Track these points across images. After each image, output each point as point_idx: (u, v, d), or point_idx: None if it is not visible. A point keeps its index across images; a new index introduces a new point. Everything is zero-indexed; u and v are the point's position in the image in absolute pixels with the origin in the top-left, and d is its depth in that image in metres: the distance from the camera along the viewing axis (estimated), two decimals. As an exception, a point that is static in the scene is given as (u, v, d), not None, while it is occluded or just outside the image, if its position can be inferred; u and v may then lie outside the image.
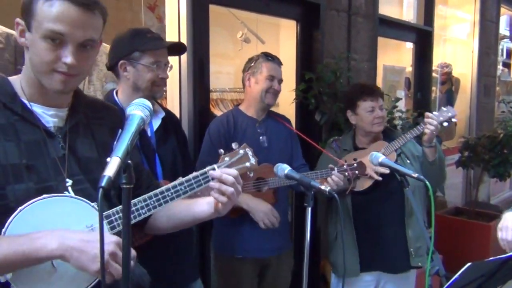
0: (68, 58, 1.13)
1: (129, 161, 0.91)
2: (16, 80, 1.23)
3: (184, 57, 2.61)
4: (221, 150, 1.47)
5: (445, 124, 2.35)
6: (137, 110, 1.02)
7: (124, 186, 0.90)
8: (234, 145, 1.46)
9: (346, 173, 2.25)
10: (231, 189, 1.31)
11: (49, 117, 1.23)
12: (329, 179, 2.26)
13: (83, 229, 1.18)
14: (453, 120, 2.37)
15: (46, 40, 1.13)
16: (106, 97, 1.99)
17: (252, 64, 2.45)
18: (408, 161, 2.50)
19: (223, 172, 1.32)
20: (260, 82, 2.42)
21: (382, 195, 2.49)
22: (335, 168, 2.26)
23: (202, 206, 1.40)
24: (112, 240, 1.09)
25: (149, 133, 1.94)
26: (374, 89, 2.56)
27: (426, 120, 2.34)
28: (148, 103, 1.07)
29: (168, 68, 1.97)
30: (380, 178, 2.38)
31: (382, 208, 2.50)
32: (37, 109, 1.22)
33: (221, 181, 1.31)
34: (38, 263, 1.09)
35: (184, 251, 2.04)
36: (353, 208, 2.52)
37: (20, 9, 1.16)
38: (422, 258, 2.49)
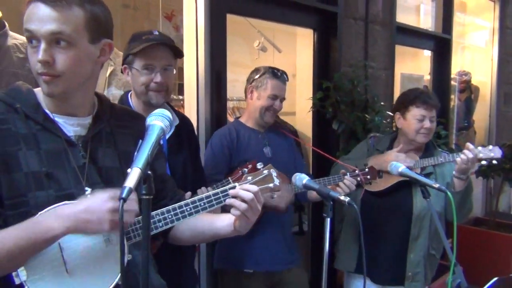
0: (38, 54, 1.13)
1: (149, 172, 0.90)
2: (40, 91, 1.25)
3: (201, 65, 2.62)
4: (245, 169, 1.44)
5: (484, 162, 2.25)
6: (157, 121, 1.02)
7: (144, 197, 0.90)
8: (259, 165, 1.44)
9: (358, 178, 2.26)
10: (244, 205, 1.28)
11: (70, 126, 1.25)
12: (341, 183, 2.25)
13: (100, 238, 1.19)
14: (494, 162, 2.27)
15: (29, 44, 1.16)
16: (121, 99, 1.98)
17: (257, 77, 2.37)
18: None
19: (242, 188, 1.30)
20: (262, 99, 2.35)
21: (391, 207, 2.45)
22: (347, 173, 2.26)
23: (223, 223, 1.39)
24: (106, 197, 1.08)
25: (161, 141, 1.91)
26: (431, 98, 2.44)
27: (464, 150, 2.23)
28: (167, 113, 1.07)
29: (171, 71, 1.86)
30: None
31: (389, 221, 2.45)
32: (59, 119, 1.24)
33: (240, 198, 1.29)
34: (47, 246, 1.10)
35: (184, 261, 2.03)
36: (361, 207, 2.47)
37: None
38: (418, 284, 2.42)
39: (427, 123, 2.40)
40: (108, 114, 1.33)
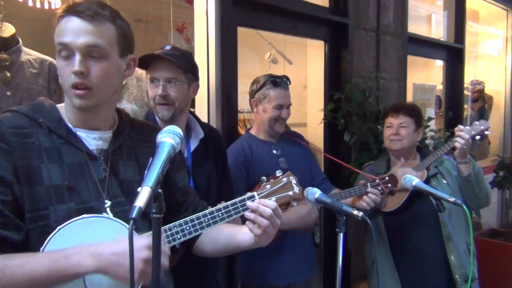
0: (74, 66, 1.16)
1: (160, 190, 0.90)
2: (62, 107, 1.29)
3: (212, 77, 2.63)
4: (264, 178, 1.44)
5: (477, 137, 2.23)
6: (168, 138, 1.02)
7: (154, 215, 0.89)
8: (278, 173, 1.43)
9: (379, 188, 2.23)
10: (266, 222, 1.26)
11: (92, 140, 1.27)
12: (365, 197, 2.21)
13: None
14: (486, 132, 2.26)
15: (60, 56, 1.19)
16: (147, 114, 2.02)
17: (259, 89, 2.34)
18: (445, 182, 2.40)
19: (261, 203, 1.28)
20: (268, 111, 2.33)
21: (414, 218, 2.41)
22: (368, 184, 2.23)
23: (245, 236, 1.37)
24: (144, 246, 1.07)
25: (185, 154, 1.90)
26: (401, 106, 2.53)
27: (456, 133, 2.25)
28: (178, 129, 1.06)
29: (177, 84, 1.83)
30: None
31: (418, 232, 2.41)
32: (81, 133, 1.26)
33: (258, 212, 1.27)
34: (74, 279, 1.10)
35: (208, 271, 2.01)
36: (386, 231, 2.45)
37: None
38: (472, 284, 2.32)
39: (393, 130, 2.45)
40: (128, 128, 1.36)
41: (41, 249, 1.13)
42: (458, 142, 2.22)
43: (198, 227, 1.28)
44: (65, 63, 1.18)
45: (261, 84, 2.34)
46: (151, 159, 0.97)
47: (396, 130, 2.45)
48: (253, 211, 1.28)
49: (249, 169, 2.28)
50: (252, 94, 2.39)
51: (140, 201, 0.86)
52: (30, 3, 2.71)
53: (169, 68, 1.82)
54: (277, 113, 2.33)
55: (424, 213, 2.39)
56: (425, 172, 2.38)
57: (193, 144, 1.94)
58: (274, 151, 2.40)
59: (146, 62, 1.83)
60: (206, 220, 1.28)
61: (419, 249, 2.41)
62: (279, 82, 2.34)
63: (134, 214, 0.84)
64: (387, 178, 2.25)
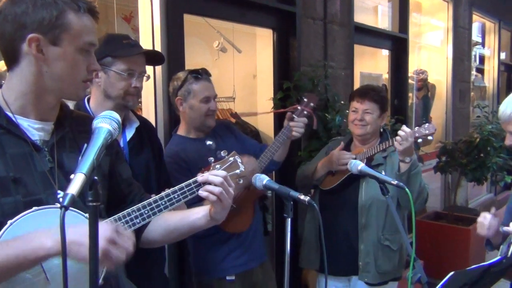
0: (94, 65, 1.23)
1: (95, 177, 0.86)
2: None
3: (158, 67, 2.56)
4: (211, 158, 1.49)
5: (419, 140, 2.26)
6: (104, 123, 0.97)
7: (90, 204, 0.85)
8: (223, 153, 1.50)
9: (305, 112, 2.34)
10: (218, 189, 1.32)
11: (34, 130, 1.21)
12: (292, 125, 2.31)
13: None
14: (429, 138, 2.28)
15: (82, 52, 1.19)
16: (77, 105, 1.90)
17: (181, 86, 2.23)
18: (383, 173, 2.39)
19: (210, 173, 1.36)
20: (195, 108, 2.22)
21: (340, 202, 2.52)
22: (294, 116, 2.32)
23: (198, 214, 1.41)
24: (107, 227, 1.07)
25: (121, 144, 1.86)
26: (367, 92, 2.53)
27: (399, 132, 2.25)
28: (116, 115, 1.02)
29: (145, 78, 1.90)
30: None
31: (339, 216, 2.52)
32: (23, 122, 1.19)
33: (209, 182, 1.34)
34: (36, 264, 1.06)
35: (155, 267, 2.00)
36: (319, 208, 2.52)
37: (36, 23, 1.14)
38: (368, 275, 2.46)
39: (358, 115, 2.49)
40: (69, 119, 1.32)
41: None
42: (398, 143, 2.24)
43: (156, 210, 1.31)
44: (85, 59, 1.21)
45: (182, 80, 2.24)
46: (85, 145, 0.92)
47: (361, 116, 2.48)
48: (204, 183, 1.35)
49: (191, 168, 2.18)
50: (174, 93, 2.27)
51: (73, 188, 0.82)
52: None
53: (144, 61, 1.90)
54: (206, 107, 2.24)
55: (348, 200, 2.49)
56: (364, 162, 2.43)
57: (129, 133, 1.91)
58: (208, 145, 2.24)
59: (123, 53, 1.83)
60: (163, 203, 1.32)
61: (335, 230, 2.50)
62: (200, 75, 2.25)
63: (66, 201, 0.80)
64: (305, 100, 2.38)
